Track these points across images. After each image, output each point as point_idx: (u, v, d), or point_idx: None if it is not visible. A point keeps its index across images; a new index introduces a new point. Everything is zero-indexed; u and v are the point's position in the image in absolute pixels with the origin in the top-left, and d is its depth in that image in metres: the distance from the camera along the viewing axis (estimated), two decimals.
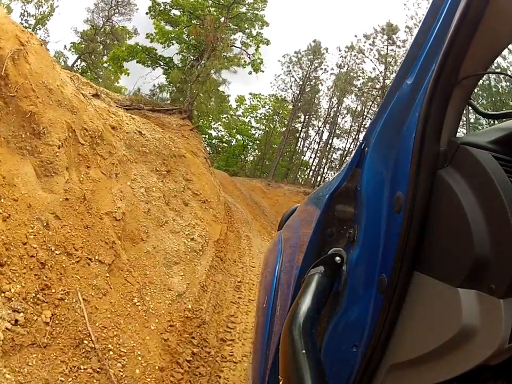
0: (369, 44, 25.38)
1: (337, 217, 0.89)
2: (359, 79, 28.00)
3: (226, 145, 35.33)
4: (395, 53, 24.59)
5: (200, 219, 7.28)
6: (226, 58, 26.38)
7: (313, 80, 30.30)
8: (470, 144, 0.70)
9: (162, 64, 24.77)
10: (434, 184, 0.71)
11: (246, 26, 26.49)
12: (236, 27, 26.03)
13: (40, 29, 26.23)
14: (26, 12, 25.14)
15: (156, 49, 24.29)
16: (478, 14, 0.69)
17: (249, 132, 34.89)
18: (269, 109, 34.07)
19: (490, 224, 0.61)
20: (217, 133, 35.40)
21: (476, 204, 0.64)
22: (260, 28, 27.07)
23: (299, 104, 29.82)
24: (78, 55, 27.72)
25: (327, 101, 31.63)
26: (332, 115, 30.55)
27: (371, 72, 26.87)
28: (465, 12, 0.68)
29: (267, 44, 26.16)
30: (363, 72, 27.31)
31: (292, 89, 30.82)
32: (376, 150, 0.86)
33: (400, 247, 0.70)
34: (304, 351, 0.63)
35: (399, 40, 24.40)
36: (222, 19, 23.36)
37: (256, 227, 12.61)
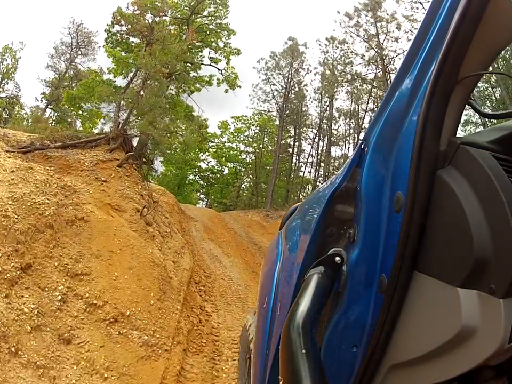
0: (354, 25, 21.88)
1: (337, 217, 0.88)
2: (351, 67, 24.28)
3: (218, 175, 32.92)
4: (386, 29, 21.19)
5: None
6: (195, 79, 23.01)
7: (297, 85, 27.05)
8: (470, 144, 0.71)
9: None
10: (434, 184, 0.71)
11: (212, 40, 23.65)
12: (201, 43, 22.96)
13: (7, 83, 26.01)
14: None
15: (115, 81, 21.34)
16: (478, 13, 0.69)
17: (239, 157, 32.22)
18: (255, 128, 31.46)
19: (490, 224, 0.62)
20: (207, 164, 33.08)
21: (476, 204, 0.64)
22: (226, 38, 24.36)
23: (286, 115, 26.26)
24: (45, 105, 26.10)
25: (317, 106, 28.28)
26: (324, 121, 26.99)
27: (363, 56, 23.14)
28: (465, 12, 0.68)
29: (238, 54, 24.18)
30: (357, 54, 23.44)
31: (275, 98, 27.33)
32: (376, 150, 0.85)
33: (400, 247, 0.71)
34: (304, 351, 0.63)
35: (387, 14, 21.14)
36: (184, 37, 20.88)
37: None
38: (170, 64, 20.30)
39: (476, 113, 0.88)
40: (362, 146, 0.90)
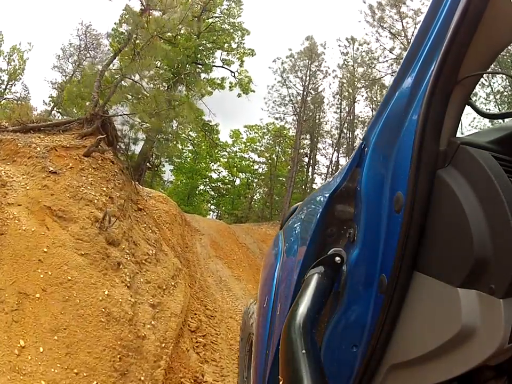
0: (378, 19, 19.68)
1: (337, 217, 0.89)
2: (373, 67, 22.05)
3: (229, 186, 31.38)
4: (412, 24, 18.96)
5: None
6: (207, 81, 21.36)
7: (313, 91, 24.95)
8: (470, 144, 0.71)
9: (132, 96, 20.35)
10: (434, 184, 0.71)
11: (224, 40, 22.07)
12: (212, 44, 21.38)
13: (15, 85, 25.44)
14: None
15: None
16: (477, 14, 0.69)
17: (251, 168, 30.51)
18: (269, 138, 29.53)
19: (490, 224, 0.62)
20: (218, 175, 31.54)
21: (476, 204, 0.64)
22: (240, 38, 22.66)
23: (303, 119, 23.92)
24: (51, 108, 24.11)
25: (335, 112, 25.98)
26: (344, 129, 24.96)
27: (385, 57, 20.98)
28: (465, 11, 0.68)
29: (252, 55, 22.75)
30: (384, 48, 20.91)
31: (292, 101, 25.03)
32: (376, 150, 0.85)
33: (400, 247, 0.71)
34: (304, 351, 0.63)
35: (411, 9, 18.99)
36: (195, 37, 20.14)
37: None
38: (180, 63, 18.86)
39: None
40: (362, 146, 0.90)
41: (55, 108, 24.48)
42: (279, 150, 28.41)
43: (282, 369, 0.65)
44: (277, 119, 26.03)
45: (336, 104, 25.32)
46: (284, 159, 28.41)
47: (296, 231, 1.20)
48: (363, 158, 0.87)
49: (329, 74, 24.70)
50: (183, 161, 29.22)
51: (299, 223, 1.22)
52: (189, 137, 25.63)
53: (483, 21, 0.69)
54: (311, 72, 24.52)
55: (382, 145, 0.83)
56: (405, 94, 0.79)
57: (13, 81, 25.53)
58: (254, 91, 22.37)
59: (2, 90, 25.76)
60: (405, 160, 0.72)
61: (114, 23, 18.33)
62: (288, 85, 24.66)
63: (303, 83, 24.48)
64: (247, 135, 31.05)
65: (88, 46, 23.62)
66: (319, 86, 25.00)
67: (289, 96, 24.88)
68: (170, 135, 20.77)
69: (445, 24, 0.72)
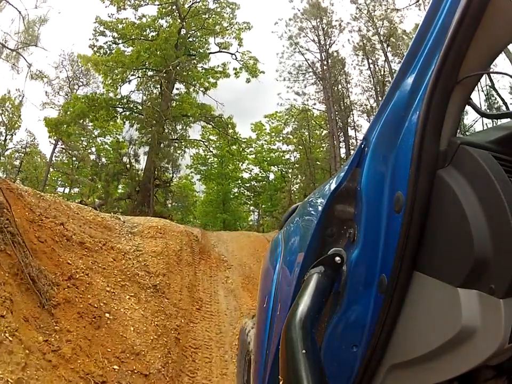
0: None
1: (337, 217, 0.88)
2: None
3: (264, 182, 28.78)
4: None
5: None
6: (206, 72, 20.36)
7: (331, 45, 20.29)
8: (470, 144, 0.71)
9: (121, 110, 18.33)
10: (434, 184, 0.71)
11: (213, 22, 19.50)
12: (202, 31, 19.27)
13: (15, 134, 24.60)
14: None
15: (101, 95, 17.57)
16: (478, 13, 0.69)
17: (282, 158, 27.77)
18: (294, 122, 26.03)
19: (490, 224, 0.62)
20: (249, 173, 28.91)
21: (476, 203, 0.64)
22: (230, 14, 19.72)
23: (331, 83, 19.79)
24: (53, 146, 23.42)
25: (359, 74, 21.10)
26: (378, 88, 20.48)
27: None
28: (465, 11, 0.68)
29: (249, 29, 19.74)
30: None
31: (312, 67, 20.61)
32: (376, 150, 0.85)
33: (400, 247, 0.71)
34: (304, 351, 0.63)
35: None
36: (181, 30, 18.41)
37: None
38: (167, 57, 15.97)
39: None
40: (362, 146, 0.89)
41: (58, 144, 23.50)
42: (307, 132, 25.37)
43: (282, 369, 0.65)
44: (297, 93, 22.01)
45: (359, 63, 20.70)
46: (314, 142, 25.66)
47: (296, 231, 1.19)
48: (363, 158, 0.87)
49: (344, 29, 20.20)
50: (209, 168, 27.51)
51: (299, 223, 1.20)
52: (209, 141, 23.67)
53: (483, 21, 0.69)
54: (323, 31, 20.33)
55: (382, 145, 0.83)
56: (405, 94, 0.79)
57: (13, 130, 24.78)
58: (263, 72, 19.79)
59: (3, 142, 25.07)
60: (405, 160, 0.72)
61: (89, 39, 17.39)
62: (301, 51, 20.73)
63: (318, 43, 20.41)
64: (269, 125, 28.27)
65: (77, 74, 22.64)
66: (336, 43, 20.59)
67: (307, 62, 20.91)
68: (175, 141, 17.97)
69: (445, 24, 0.72)
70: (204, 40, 19.04)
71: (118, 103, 17.67)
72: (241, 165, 28.23)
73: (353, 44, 20.19)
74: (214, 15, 18.74)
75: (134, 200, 16.80)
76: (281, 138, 27.39)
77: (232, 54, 19.39)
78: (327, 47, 20.17)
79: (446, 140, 0.73)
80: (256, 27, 25.97)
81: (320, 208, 0.93)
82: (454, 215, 0.65)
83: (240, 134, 21.73)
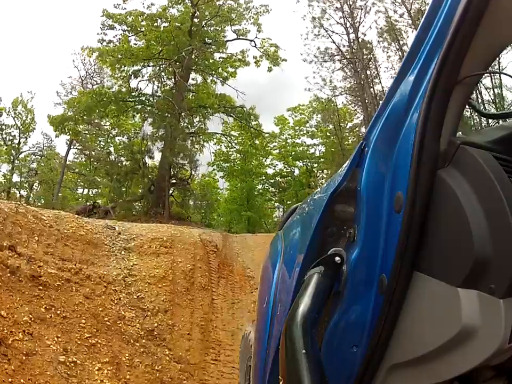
0: None
1: (337, 217, 0.89)
2: None
3: (289, 177, 27.63)
4: None
5: None
6: (224, 61, 18.53)
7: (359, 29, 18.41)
8: (470, 144, 0.71)
9: (134, 103, 16.93)
10: (434, 184, 0.71)
11: (228, 9, 17.75)
12: (216, 19, 17.52)
13: (30, 137, 24.65)
14: (4, 125, 23.72)
15: (109, 88, 16.15)
16: (478, 13, 0.69)
17: (307, 152, 26.67)
18: (319, 113, 25.20)
19: (490, 224, 0.62)
20: (274, 169, 27.88)
21: (476, 203, 0.64)
22: None
23: (362, 64, 17.91)
24: (68, 142, 22.52)
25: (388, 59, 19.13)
26: None
27: None
28: (465, 11, 0.68)
29: (268, 12, 18.04)
30: None
31: (340, 49, 18.70)
32: (376, 149, 0.86)
33: (400, 247, 0.71)
34: (304, 351, 0.63)
35: None
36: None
37: None
38: (180, 44, 14.41)
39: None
40: (362, 146, 0.90)
41: (72, 145, 22.73)
42: (331, 125, 24.24)
43: (283, 369, 0.65)
44: (324, 80, 19.96)
45: (386, 47, 18.55)
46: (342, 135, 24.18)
47: (296, 231, 1.19)
48: (363, 158, 0.87)
49: (370, 9, 18.26)
50: (232, 164, 26.60)
51: (299, 223, 1.20)
52: (230, 136, 22.54)
53: (484, 20, 0.69)
54: (349, 12, 18.43)
55: (382, 145, 0.83)
56: (405, 94, 0.79)
57: (27, 133, 24.57)
58: (285, 60, 18.02)
59: (17, 145, 24.73)
60: (405, 160, 0.72)
61: (97, 33, 16.26)
62: (325, 34, 18.83)
63: (344, 25, 18.52)
64: (292, 119, 26.97)
65: (90, 73, 21.83)
66: (363, 25, 18.73)
67: (335, 44, 18.88)
68: (193, 134, 16.43)
69: (446, 23, 0.72)
70: (220, 28, 17.44)
71: (128, 96, 16.22)
72: (265, 160, 27.29)
73: (380, 25, 18.22)
74: (229, 1, 17.39)
75: (147, 201, 15.25)
76: (305, 132, 26.49)
77: (251, 40, 17.79)
78: (357, 26, 18.18)
79: (446, 140, 0.73)
80: (275, 8, 24.12)
81: (320, 208, 0.92)
82: (454, 215, 0.66)
83: (263, 128, 20.18)
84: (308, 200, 1.26)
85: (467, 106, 0.84)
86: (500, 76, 14.46)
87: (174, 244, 6.14)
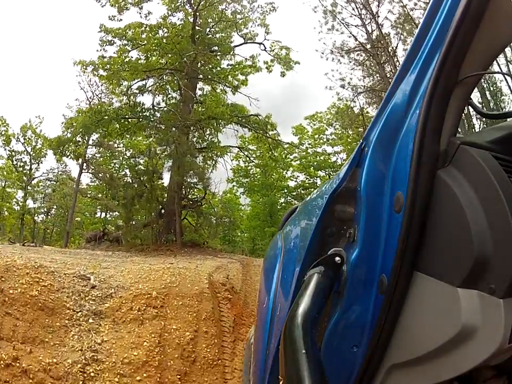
0: None
1: (337, 217, 0.89)
2: None
3: (312, 189, 25.50)
4: None
5: None
6: (233, 68, 17.67)
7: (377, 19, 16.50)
8: (470, 144, 0.71)
9: (138, 120, 15.87)
10: (434, 184, 0.71)
11: (231, 12, 16.99)
12: (220, 22, 16.69)
13: (41, 163, 25.10)
14: (14, 151, 24.45)
15: (109, 105, 15.10)
16: (478, 13, 0.69)
17: (329, 161, 26.55)
18: (337, 120, 24.55)
19: (490, 224, 0.62)
20: (295, 181, 27.67)
21: (476, 204, 0.64)
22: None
23: (385, 57, 16.18)
24: (79, 166, 22.71)
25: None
26: None
27: None
28: (465, 12, 0.69)
29: (274, 10, 17.19)
30: None
31: (362, 44, 16.90)
32: (376, 149, 0.86)
33: (400, 247, 0.71)
34: (304, 351, 0.63)
35: None
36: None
37: None
38: (180, 50, 13.22)
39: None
40: (362, 146, 0.90)
41: (83, 169, 22.78)
42: (351, 132, 23.09)
43: (282, 369, 0.65)
44: (343, 80, 18.23)
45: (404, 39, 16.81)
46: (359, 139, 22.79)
47: (296, 231, 1.19)
48: (363, 158, 0.87)
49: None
50: (251, 180, 26.59)
51: (299, 223, 1.21)
52: (248, 150, 21.56)
53: (484, 21, 0.69)
54: (363, 2, 16.64)
55: (382, 145, 0.83)
56: (405, 94, 0.79)
57: (38, 159, 24.74)
58: (298, 62, 17.07)
59: (28, 171, 24.77)
60: (405, 160, 0.72)
61: (97, 50, 15.80)
62: (339, 28, 17.23)
63: (359, 15, 16.79)
64: (311, 127, 26.99)
65: (97, 94, 21.24)
66: (378, 15, 16.73)
67: (352, 36, 17.16)
68: (204, 150, 15.08)
69: (446, 23, 0.72)
70: (226, 34, 16.47)
71: (130, 112, 15.15)
72: (286, 173, 27.24)
73: (396, 15, 16.54)
74: (232, 3, 16.55)
75: (156, 226, 13.91)
76: (325, 140, 26.42)
77: (260, 43, 16.71)
78: (375, 15, 16.42)
79: (446, 140, 0.74)
80: (281, 4, 24.18)
81: (320, 208, 0.92)
82: (454, 215, 0.66)
83: (275, 123, 18.69)
84: (308, 201, 1.26)
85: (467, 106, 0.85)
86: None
87: (169, 300, 4.52)
